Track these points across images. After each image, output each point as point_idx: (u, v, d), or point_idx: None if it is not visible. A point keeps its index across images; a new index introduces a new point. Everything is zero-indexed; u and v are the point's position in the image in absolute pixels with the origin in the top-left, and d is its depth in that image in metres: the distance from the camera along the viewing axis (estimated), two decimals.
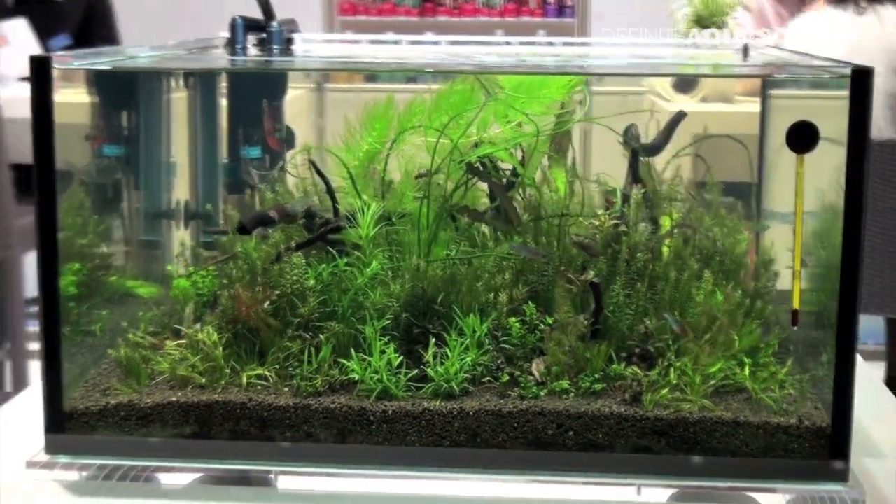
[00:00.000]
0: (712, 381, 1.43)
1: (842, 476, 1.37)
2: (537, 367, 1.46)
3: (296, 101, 1.95)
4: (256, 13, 1.80)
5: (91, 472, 1.40)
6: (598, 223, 1.58)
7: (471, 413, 1.40)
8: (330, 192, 1.58)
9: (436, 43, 2.03)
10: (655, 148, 1.75)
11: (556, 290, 1.49)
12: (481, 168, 1.60)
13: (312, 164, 1.60)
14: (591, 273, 1.51)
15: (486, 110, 1.59)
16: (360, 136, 1.59)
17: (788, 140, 1.38)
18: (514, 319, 1.48)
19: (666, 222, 1.67)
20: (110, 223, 1.76)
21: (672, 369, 1.43)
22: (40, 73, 1.35)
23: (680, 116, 1.73)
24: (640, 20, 2.01)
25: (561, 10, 7.93)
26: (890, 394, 1.73)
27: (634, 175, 1.66)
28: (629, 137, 1.69)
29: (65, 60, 1.41)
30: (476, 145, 1.59)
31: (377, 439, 1.40)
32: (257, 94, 1.87)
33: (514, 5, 8.01)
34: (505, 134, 1.59)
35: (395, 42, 2.39)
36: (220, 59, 1.84)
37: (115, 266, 1.73)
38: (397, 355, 1.44)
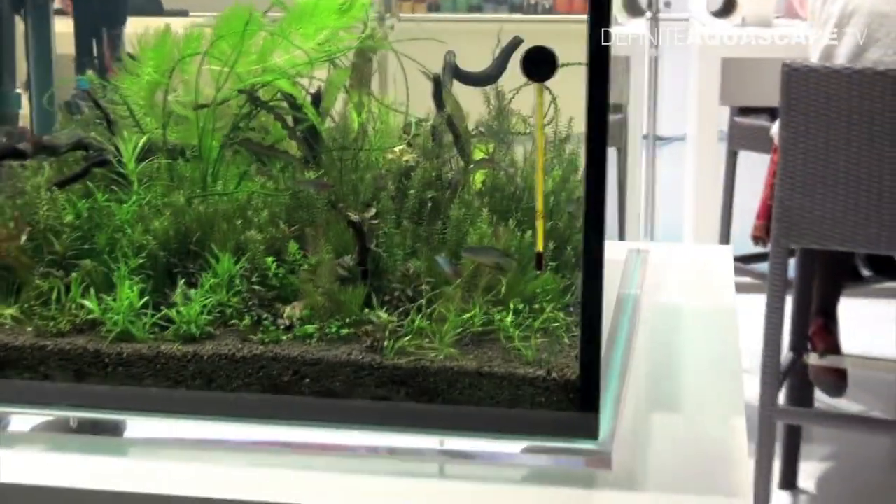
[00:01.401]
0: (468, 330, 1.35)
1: (589, 433, 1.28)
2: (291, 310, 1.39)
3: None
4: None
5: None
6: (392, 157, 1.50)
7: (205, 357, 1.34)
8: (108, 123, 1.52)
9: None
10: (488, 78, 1.66)
11: (317, 228, 1.42)
12: (266, 98, 1.52)
13: (89, 94, 1.54)
14: (373, 211, 1.43)
15: (273, 38, 1.51)
16: (137, 66, 1.52)
17: (524, 68, 1.27)
18: (270, 259, 1.41)
19: (478, 156, 1.58)
20: None
21: (418, 315, 1.35)
22: None
23: (516, 43, 1.62)
24: None
25: None
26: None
27: (438, 106, 1.56)
28: (445, 65, 1.60)
29: None
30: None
31: (114, 382, 1.35)
32: (92, 21, 1.82)
33: None
34: (287, 62, 1.51)
35: None
36: None
37: None
38: (145, 296, 1.38)
